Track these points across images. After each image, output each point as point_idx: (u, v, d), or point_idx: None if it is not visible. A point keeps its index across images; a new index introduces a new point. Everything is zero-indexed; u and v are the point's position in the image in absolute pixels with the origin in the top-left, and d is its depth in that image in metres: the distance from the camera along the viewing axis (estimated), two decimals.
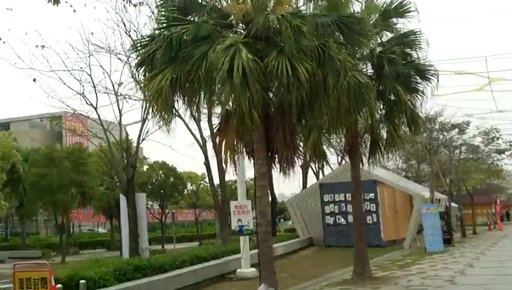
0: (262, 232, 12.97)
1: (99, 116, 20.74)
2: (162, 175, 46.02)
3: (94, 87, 20.15)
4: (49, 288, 10.17)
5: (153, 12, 19.65)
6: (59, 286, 9.86)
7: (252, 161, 13.68)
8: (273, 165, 13.86)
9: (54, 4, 17.56)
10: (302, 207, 33.88)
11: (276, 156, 13.39)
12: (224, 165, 14.29)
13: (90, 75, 20.10)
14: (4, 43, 17.69)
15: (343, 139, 19.32)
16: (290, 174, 13.71)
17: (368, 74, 15.41)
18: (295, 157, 13.67)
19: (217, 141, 20.35)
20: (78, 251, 43.90)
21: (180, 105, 13.28)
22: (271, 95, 12.49)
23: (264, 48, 11.57)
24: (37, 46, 18.48)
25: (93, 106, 20.40)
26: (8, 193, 37.79)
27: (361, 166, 17.24)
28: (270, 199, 13.34)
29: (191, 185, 53.35)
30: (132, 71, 20.01)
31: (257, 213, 13.35)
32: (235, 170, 14.16)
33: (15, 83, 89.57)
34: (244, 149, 13.93)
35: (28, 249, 40.39)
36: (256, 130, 12.03)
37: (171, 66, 12.07)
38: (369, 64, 16.35)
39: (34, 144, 41.73)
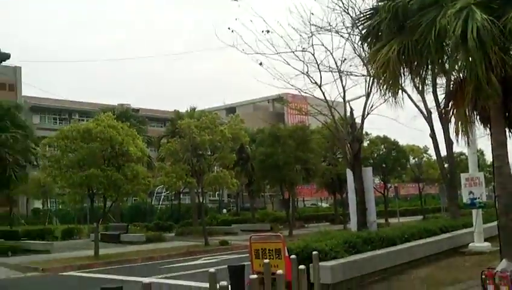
0: (503, 205, 12.17)
1: (323, 93, 21.20)
2: (384, 149, 45.79)
3: (318, 66, 20.59)
4: (283, 258, 10.72)
5: None
6: (293, 256, 10.26)
7: (488, 129, 12.92)
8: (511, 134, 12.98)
9: None
10: None
11: None
12: (454, 135, 13.64)
13: (313, 55, 20.57)
14: (232, 32, 18.92)
15: None
16: None
17: None
18: None
19: (445, 111, 19.70)
20: (304, 224, 45.74)
21: (405, 77, 13.02)
22: (509, 56, 11.58)
23: (500, 6, 10.76)
24: (262, 31, 19.39)
25: (317, 84, 20.90)
26: (238, 172, 40.35)
27: None
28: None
29: (413, 159, 52.37)
30: (354, 47, 20.11)
31: (496, 185, 12.58)
32: (468, 141, 13.45)
33: (240, 70, 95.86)
34: (476, 118, 13.22)
35: (257, 223, 43.18)
36: (494, 95, 11.28)
37: (397, 37, 11.81)
38: None
39: (259, 125, 44.29)
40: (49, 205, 57.99)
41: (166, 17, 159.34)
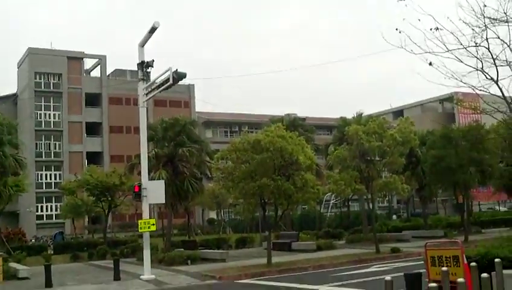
0: None
1: (501, 89, 19.86)
2: None
3: (494, 60, 19.33)
4: (462, 266, 10.17)
5: None
6: (473, 264, 9.69)
7: None
8: None
9: None
10: None
11: None
12: None
13: (488, 49, 19.36)
14: (400, 32, 18.42)
15: None
16: None
17: None
18: None
19: None
20: (480, 229, 43.26)
21: None
22: None
23: None
24: (431, 29, 18.63)
25: (493, 80, 19.63)
26: (409, 176, 39.24)
27: None
28: None
29: None
30: None
31: None
32: None
33: (407, 72, 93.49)
34: None
35: (429, 229, 41.62)
36: None
37: None
38: None
39: (428, 127, 42.75)
40: (222, 215, 60.94)
41: (327, 22, 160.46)
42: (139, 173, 27.17)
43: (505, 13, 19.36)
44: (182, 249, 32.48)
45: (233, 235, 46.58)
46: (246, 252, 35.00)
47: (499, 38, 19.82)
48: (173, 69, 22.37)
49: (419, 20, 19.01)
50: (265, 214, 28.50)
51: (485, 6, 19.45)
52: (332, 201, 60.82)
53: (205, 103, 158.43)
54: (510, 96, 20.82)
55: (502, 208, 70.06)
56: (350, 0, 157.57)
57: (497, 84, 19.72)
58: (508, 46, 19.51)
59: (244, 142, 26.07)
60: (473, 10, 19.56)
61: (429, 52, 19.70)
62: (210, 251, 32.63)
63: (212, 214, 63.92)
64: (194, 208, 57.19)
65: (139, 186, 24.26)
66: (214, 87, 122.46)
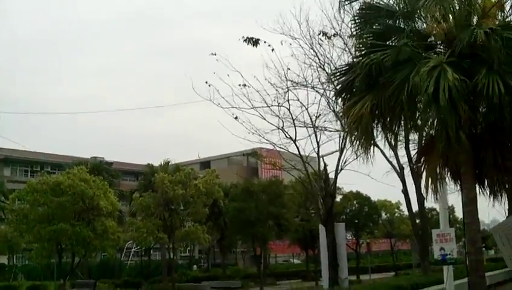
0: (473, 261, 12.26)
1: (298, 148, 21.29)
2: (356, 205, 45.90)
3: (293, 121, 20.73)
4: None
5: (345, 44, 19.95)
6: None
7: (458, 185, 13.08)
8: (482, 190, 13.16)
9: (253, 46, 18.76)
10: (511, 235, 31.34)
11: (486, 179, 12.68)
12: (425, 191, 13.79)
13: (288, 110, 20.73)
14: (210, 86, 19.04)
15: None
16: (501, 199, 12.93)
17: None
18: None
19: (417, 167, 19.90)
20: (275, 281, 45.13)
21: (377, 132, 13.18)
22: (478, 115, 11.85)
23: (470, 66, 11.06)
24: (239, 84, 19.52)
25: (292, 139, 20.99)
26: (210, 227, 39.97)
27: None
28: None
29: (385, 214, 52.56)
30: (329, 102, 20.36)
31: (466, 241, 12.67)
32: (436, 197, 13.57)
33: (215, 124, 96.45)
34: (447, 174, 13.40)
35: (228, 280, 42.47)
36: (464, 152, 11.48)
37: (370, 93, 11.99)
38: None
39: (232, 180, 44.16)
40: (14, 261, 56.38)
41: (139, 69, 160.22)
42: None
43: (305, 79, 21.08)
44: None
45: (25, 282, 43.15)
46: None
47: (299, 100, 21.45)
48: None
49: (228, 75, 19.95)
50: (62, 261, 26.99)
51: (289, 69, 21.02)
52: (133, 249, 59.47)
53: (5, 139, 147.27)
54: (306, 156, 22.49)
55: (296, 261, 73.91)
56: (167, 50, 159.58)
57: (295, 143, 21.22)
58: (306, 108, 21.18)
59: (43, 183, 24.68)
60: (278, 72, 21.02)
61: (235, 108, 20.65)
62: None
63: (3, 259, 58.78)
64: None
65: None
66: (21, 123, 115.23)
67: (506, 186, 13.57)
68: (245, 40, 18.49)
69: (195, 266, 65.29)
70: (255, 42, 18.41)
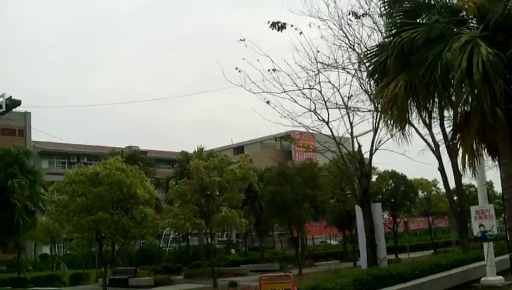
0: None
1: (331, 130, 21.22)
2: (392, 184, 45.60)
3: (325, 103, 20.66)
4: None
5: (375, 23, 19.74)
6: None
7: (496, 161, 12.91)
8: None
9: (278, 31, 18.68)
10: None
11: None
12: (462, 168, 13.62)
13: (320, 92, 20.66)
14: (240, 72, 19.07)
15: None
16: None
17: None
18: None
19: (452, 144, 19.67)
20: (313, 262, 45.25)
21: (412, 111, 13.07)
22: None
23: (504, 39, 10.85)
24: (269, 70, 19.50)
25: (324, 121, 20.93)
26: (247, 211, 40.17)
27: None
28: None
29: (422, 193, 52.14)
30: (361, 83, 20.22)
31: (506, 217, 12.50)
32: (474, 173, 13.38)
33: (246, 109, 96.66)
34: (484, 150, 13.23)
35: (266, 263, 42.77)
36: (501, 128, 11.30)
37: (403, 72, 11.92)
38: None
39: (266, 164, 44.29)
40: (56, 251, 57.74)
41: (169, 57, 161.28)
42: None
43: (335, 60, 20.93)
44: (10, 288, 30.57)
45: (67, 271, 44.19)
46: (80, 289, 33.44)
47: (330, 82, 21.34)
48: (7, 96, 21.17)
49: (258, 60, 19.94)
50: (102, 249, 27.53)
51: (318, 52, 20.90)
52: (171, 235, 60.30)
53: (43, 133, 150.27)
54: (339, 137, 22.42)
55: (333, 242, 74.01)
56: (193, 37, 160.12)
57: (328, 125, 21.15)
58: (338, 90, 21.06)
59: (80, 174, 25.12)
60: (308, 55, 20.92)
61: (267, 92, 20.69)
62: (41, 288, 30.87)
63: (46, 249, 60.17)
64: (26, 242, 53.48)
65: None
66: (53, 117, 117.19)
67: None
68: (271, 26, 18.41)
69: (233, 250, 65.88)
70: (280, 27, 18.31)
